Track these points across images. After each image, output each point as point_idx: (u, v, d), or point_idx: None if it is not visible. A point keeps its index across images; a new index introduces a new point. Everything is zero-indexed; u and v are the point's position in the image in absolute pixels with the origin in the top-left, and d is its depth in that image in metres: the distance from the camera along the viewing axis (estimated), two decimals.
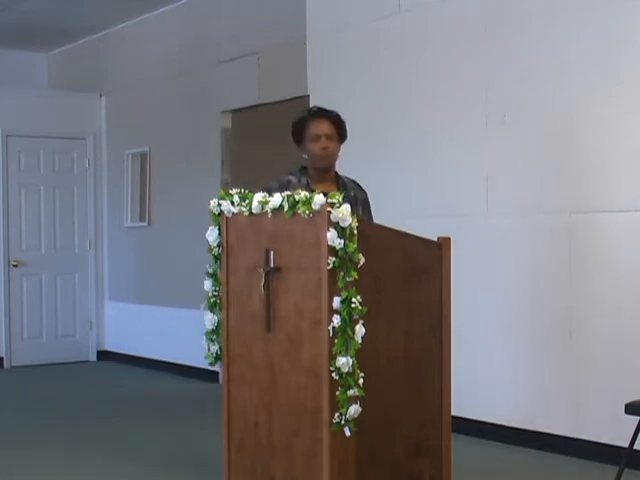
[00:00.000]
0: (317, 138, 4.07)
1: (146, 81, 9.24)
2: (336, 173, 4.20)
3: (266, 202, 3.38)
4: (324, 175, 4.13)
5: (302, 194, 3.23)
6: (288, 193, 3.32)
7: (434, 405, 3.48)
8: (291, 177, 4.12)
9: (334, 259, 3.13)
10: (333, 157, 4.12)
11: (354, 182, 4.24)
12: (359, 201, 4.13)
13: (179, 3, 8.67)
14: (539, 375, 5.51)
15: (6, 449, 5.78)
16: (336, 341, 3.13)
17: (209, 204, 3.65)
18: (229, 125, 8.20)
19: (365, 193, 4.24)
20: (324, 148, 4.07)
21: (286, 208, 3.28)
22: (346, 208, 3.14)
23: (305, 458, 3.31)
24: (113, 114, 9.77)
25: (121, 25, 9.49)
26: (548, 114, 5.46)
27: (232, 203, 3.54)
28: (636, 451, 4.41)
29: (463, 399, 4.49)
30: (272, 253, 3.41)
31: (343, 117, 4.16)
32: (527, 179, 5.58)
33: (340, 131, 4.14)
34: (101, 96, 9.89)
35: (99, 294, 9.80)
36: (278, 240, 3.39)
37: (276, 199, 3.34)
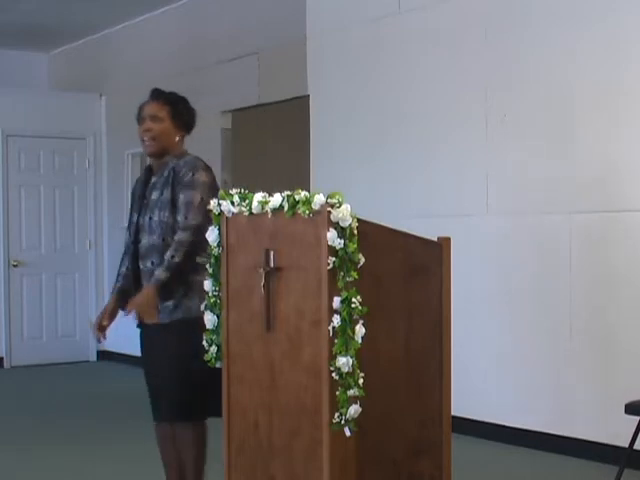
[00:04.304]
0: (142, 121, 3.87)
1: (146, 81, 9.20)
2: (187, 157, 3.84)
3: (266, 202, 3.37)
4: (160, 162, 3.83)
5: (302, 194, 3.23)
6: (288, 193, 3.31)
7: (434, 405, 3.47)
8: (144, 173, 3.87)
9: (334, 259, 3.12)
10: (158, 141, 3.85)
11: (193, 161, 3.82)
12: (170, 182, 3.77)
13: (179, 3, 8.67)
14: (539, 375, 5.50)
15: (6, 449, 5.78)
16: (336, 341, 3.12)
17: (209, 204, 3.64)
18: (229, 125, 8.20)
19: (187, 174, 3.77)
20: (146, 130, 3.82)
21: (286, 208, 3.28)
22: (346, 208, 3.14)
23: (305, 458, 3.30)
24: (113, 114, 9.76)
25: (121, 25, 9.49)
26: (548, 114, 5.46)
27: (232, 203, 3.53)
28: (636, 451, 4.41)
29: (463, 399, 4.48)
30: (272, 253, 3.40)
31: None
32: (527, 179, 5.58)
33: (174, 113, 3.82)
34: (101, 96, 9.89)
35: (99, 294, 9.80)
36: (278, 240, 3.39)
37: (276, 199, 3.33)
